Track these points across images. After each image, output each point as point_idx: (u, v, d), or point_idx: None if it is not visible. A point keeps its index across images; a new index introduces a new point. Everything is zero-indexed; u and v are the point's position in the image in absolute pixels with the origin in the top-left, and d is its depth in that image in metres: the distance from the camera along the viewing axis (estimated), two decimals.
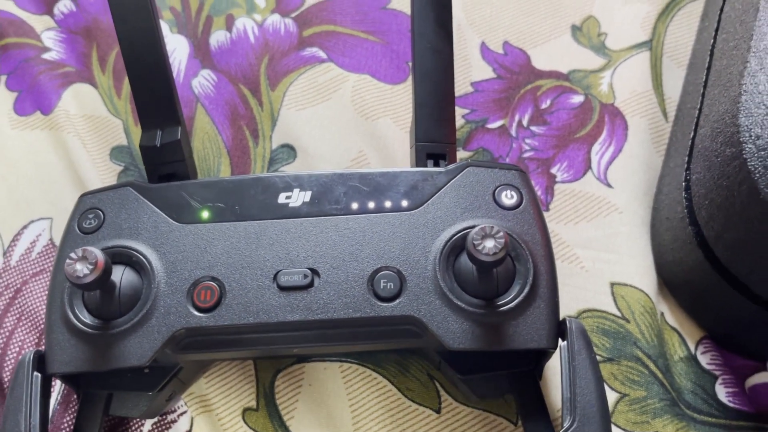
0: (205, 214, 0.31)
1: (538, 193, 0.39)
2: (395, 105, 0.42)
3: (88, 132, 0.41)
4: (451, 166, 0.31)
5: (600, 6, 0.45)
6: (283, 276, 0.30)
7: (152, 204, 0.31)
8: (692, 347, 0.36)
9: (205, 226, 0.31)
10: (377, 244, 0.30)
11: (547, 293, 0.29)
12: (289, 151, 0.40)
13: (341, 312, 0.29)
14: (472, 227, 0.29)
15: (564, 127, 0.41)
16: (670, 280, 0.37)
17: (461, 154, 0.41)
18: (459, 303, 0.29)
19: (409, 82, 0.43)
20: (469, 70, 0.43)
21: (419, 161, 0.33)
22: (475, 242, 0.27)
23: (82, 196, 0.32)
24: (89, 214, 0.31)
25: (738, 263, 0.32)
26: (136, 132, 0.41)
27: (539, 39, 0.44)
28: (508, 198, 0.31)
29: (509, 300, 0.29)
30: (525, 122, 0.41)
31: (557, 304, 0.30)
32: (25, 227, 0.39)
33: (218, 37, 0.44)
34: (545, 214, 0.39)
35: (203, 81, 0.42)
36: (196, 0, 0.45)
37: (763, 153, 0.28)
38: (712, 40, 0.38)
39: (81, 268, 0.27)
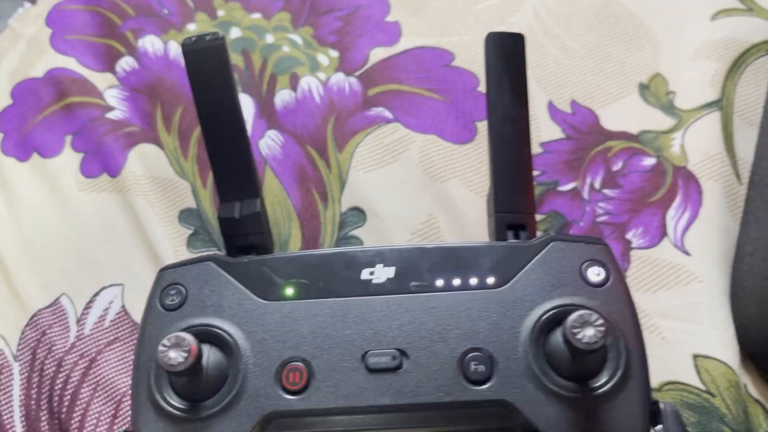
0: (289, 291, 0.30)
1: None
2: (464, 166, 0.42)
3: (155, 194, 0.41)
4: (536, 241, 0.31)
5: (667, 64, 0.45)
6: (371, 357, 0.29)
7: (235, 280, 0.31)
8: None
9: (290, 304, 0.30)
10: (465, 324, 0.29)
11: (639, 374, 0.29)
12: (359, 214, 0.40)
13: (432, 396, 0.29)
14: (563, 306, 0.29)
15: (637, 191, 0.40)
16: (754, 353, 0.36)
17: None
18: (552, 387, 0.28)
19: (477, 141, 0.42)
20: (538, 130, 0.43)
21: (499, 232, 0.33)
22: (575, 330, 0.26)
23: (162, 270, 0.31)
24: (171, 290, 0.31)
25: None
26: (204, 195, 0.41)
27: (607, 98, 0.43)
28: (596, 274, 0.30)
29: (603, 383, 0.28)
30: (597, 185, 0.41)
31: (649, 385, 0.29)
32: (96, 294, 0.38)
33: (283, 97, 0.44)
34: None
35: (270, 142, 0.42)
36: (259, 57, 0.45)
37: None
38: None
39: (175, 356, 0.26)
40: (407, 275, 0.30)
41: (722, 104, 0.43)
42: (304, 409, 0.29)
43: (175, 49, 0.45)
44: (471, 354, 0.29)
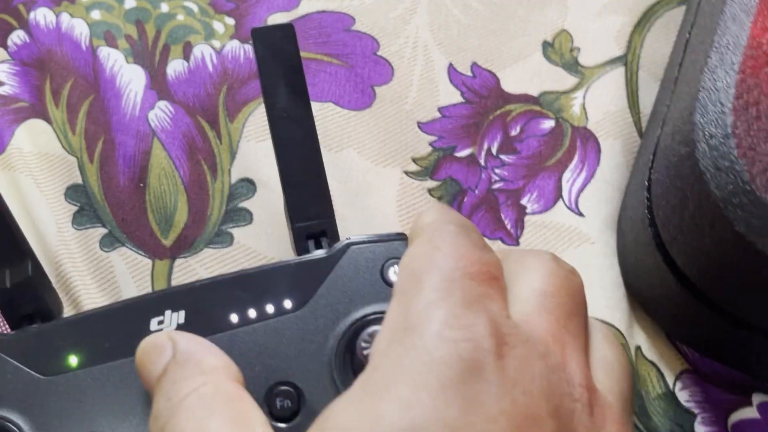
0: (72, 361, 0.27)
1: (509, 227, 0.38)
2: (359, 134, 0.40)
3: (41, 171, 0.40)
4: (333, 250, 0.28)
5: (572, 18, 0.43)
6: None
7: (13, 359, 0.28)
8: (671, 382, 0.35)
9: (76, 375, 0.27)
10: (266, 359, 0.27)
11: None
12: (248, 185, 0.39)
13: None
14: (365, 317, 0.27)
15: (534, 156, 0.39)
16: (632, 283, 0.35)
17: (428, 184, 0.39)
18: None
19: (375, 107, 0.41)
20: (437, 94, 0.41)
21: (299, 244, 0.31)
22: (365, 351, 0.24)
23: None
24: None
25: (692, 268, 0.30)
26: (91, 170, 0.40)
27: (509, 59, 0.42)
28: (396, 273, 0.27)
29: None
30: (494, 151, 0.40)
31: None
32: None
33: (175, 67, 0.42)
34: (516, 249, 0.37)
35: (160, 113, 0.41)
36: (153, 27, 0.44)
37: (714, 153, 0.26)
38: (687, 35, 0.36)
39: None
40: (199, 316, 0.28)
41: (627, 59, 0.42)
42: None
43: (67, 21, 0.44)
44: (276, 390, 0.27)
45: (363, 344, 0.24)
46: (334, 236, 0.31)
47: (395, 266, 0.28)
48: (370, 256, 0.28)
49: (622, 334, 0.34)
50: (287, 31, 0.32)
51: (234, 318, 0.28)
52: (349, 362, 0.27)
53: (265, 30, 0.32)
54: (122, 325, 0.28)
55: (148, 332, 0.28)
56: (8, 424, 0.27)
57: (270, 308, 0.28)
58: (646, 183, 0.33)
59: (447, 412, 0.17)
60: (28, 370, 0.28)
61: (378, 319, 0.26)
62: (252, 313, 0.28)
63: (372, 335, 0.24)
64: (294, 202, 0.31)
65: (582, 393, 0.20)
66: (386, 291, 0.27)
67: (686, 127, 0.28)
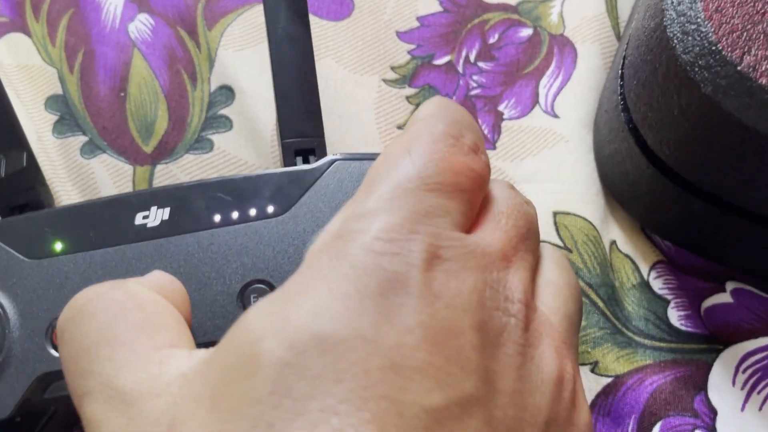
0: (58, 246, 0.29)
1: (485, 132, 0.38)
2: (337, 43, 0.41)
3: (22, 82, 0.40)
4: (318, 163, 0.29)
5: None
6: None
7: (1, 242, 0.29)
8: (645, 273, 0.35)
9: (59, 259, 0.28)
10: (244, 258, 0.28)
11: None
12: (227, 92, 0.39)
13: (212, 334, 0.27)
14: None
15: (512, 63, 0.39)
16: (607, 176, 0.36)
17: (407, 92, 0.39)
18: None
19: (353, 17, 0.41)
20: (416, 3, 0.42)
21: (287, 159, 0.32)
22: None
23: None
24: None
25: (662, 144, 0.31)
26: (71, 80, 0.40)
27: None
28: None
29: None
30: (472, 58, 0.40)
31: None
32: None
33: None
34: (491, 153, 0.38)
35: (140, 25, 0.41)
36: None
37: (682, 18, 0.27)
38: None
39: None
40: (183, 215, 0.29)
41: None
42: None
43: None
44: (251, 287, 0.28)
45: None
46: (322, 155, 0.32)
47: None
48: (354, 171, 0.29)
49: (594, 228, 0.35)
50: None
51: (217, 218, 0.29)
52: None
53: None
54: (108, 217, 0.29)
55: (132, 226, 0.29)
56: None
57: (252, 212, 0.29)
58: (620, 71, 0.34)
59: (359, 322, 0.16)
60: (15, 253, 0.29)
61: None
62: (235, 214, 0.29)
63: None
64: (286, 119, 0.32)
65: (519, 309, 0.19)
66: None
67: (655, 1, 0.29)
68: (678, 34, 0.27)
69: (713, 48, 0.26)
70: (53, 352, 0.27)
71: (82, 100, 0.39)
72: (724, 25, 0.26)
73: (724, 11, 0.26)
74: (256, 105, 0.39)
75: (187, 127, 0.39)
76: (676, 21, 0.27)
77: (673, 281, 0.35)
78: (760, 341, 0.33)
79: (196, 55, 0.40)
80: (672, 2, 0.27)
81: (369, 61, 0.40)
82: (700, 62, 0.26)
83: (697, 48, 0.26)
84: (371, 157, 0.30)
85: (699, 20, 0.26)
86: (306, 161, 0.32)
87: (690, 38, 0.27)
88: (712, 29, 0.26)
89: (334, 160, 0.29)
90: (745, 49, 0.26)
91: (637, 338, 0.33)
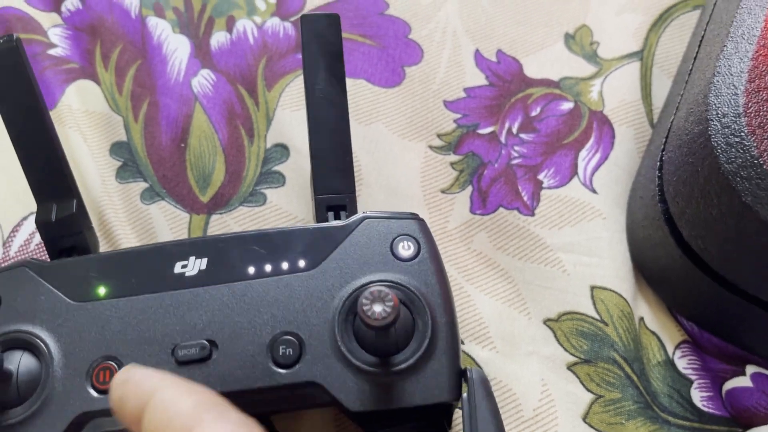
0: (101, 291, 0.31)
1: (525, 198, 0.40)
2: (388, 109, 0.43)
3: (89, 127, 0.42)
4: (349, 220, 0.31)
5: (593, 15, 0.46)
6: (180, 350, 0.29)
7: (48, 284, 0.31)
8: (670, 351, 0.37)
9: (102, 303, 0.30)
10: (275, 310, 0.30)
11: (446, 345, 0.29)
12: (282, 150, 0.42)
13: (242, 383, 0.29)
14: (369, 283, 0.29)
15: (552, 134, 0.42)
16: (638, 258, 0.38)
17: (451, 158, 0.42)
18: (357, 363, 0.28)
19: (404, 85, 0.44)
20: (463, 76, 0.44)
21: (320, 214, 0.34)
22: (365, 307, 0.26)
23: None
24: None
25: (698, 239, 0.32)
26: (136, 129, 0.42)
27: (532, 47, 0.45)
28: (405, 249, 0.31)
29: (407, 357, 0.28)
30: (515, 129, 0.42)
31: (458, 354, 0.30)
32: (24, 218, 0.40)
33: (219, 38, 0.45)
34: (530, 220, 0.40)
35: (202, 80, 0.43)
36: (198, 1, 0.46)
37: (726, 130, 0.29)
38: (702, 32, 0.39)
39: None
40: (219, 266, 0.31)
41: (643, 55, 0.44)
42: None
43: None
44: (280, 338, 0.29)
45: (364, 301, 0.26)
46: (353, 211, 0.34)
47: (404, 241, 0.31)
48: (383, 230, 0.31)
49: (628, 304, 0.37)
50: (333, 20, 0.35)
51: (251, 270, 0.31)
52: (351, 322, 0.29)
53: (313, 17, 0.35)
54: (149, 265, 0.31)
55: (171, 274, 0.31)
56: (36, 339, 0.30)
57: (284, 265, 0.31)
58: (658, 163, 0.36)
59: None
60: (61, 295, 0.31)
61: (381, 284, 0.29)
62: (268, 267, 0.31)
63: (372, 294, 0.26)
64: (319, 176, 0.34)
65: None
66: (393, 263, 0.30)
67: (700, 108, 0.31)
68: (722, 145, 0.29)
69: (755, 161, 0.28)
70: (93, 392, 0.29)
71: (145, 149, 0.42)
72: (765, 141, 0.28)
73: (766, 127, 0.29)
74: (308, 164, 0.41)
75: (243, 180, 0.41)
76: (720, 132, 0.29)
77: (697, 362, 0.36)
78: None
79: (255, 113, 0.42)
80: (717, 114, 0.30)
81: (417, 127, 0.43)
82: (741, 173, 0.28)
83: (740, 160, 0.28)
84: (400, 216, 0.31)
85: (743, 134, 0.29)
86: (337, 216, 0.33)
87: (733, 150, 0.29)
88: (755, 144, 0.28)
89: (365, 218, 0.31)
90: None
91: (663, 415, 0.35)
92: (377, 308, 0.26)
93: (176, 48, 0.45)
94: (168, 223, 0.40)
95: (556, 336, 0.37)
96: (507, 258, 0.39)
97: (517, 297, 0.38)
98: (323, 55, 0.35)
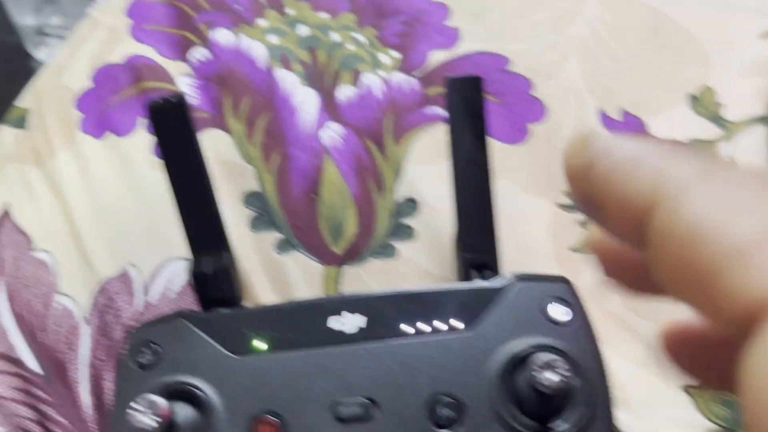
0: (261, 345, 0.31)
1: None
2: (514, 166, 0.43)
3: (221, 177, 0.43)
4: (500, 282, 0.31)
5: (716, 78, 0.46)
6: (341, 407, 0.30)
7: (207, 336, 0.31)
8: None
9: (261, 357, 0.31)
10: (433, 369, 0.30)
11: (604, 410, 0.29)
12: (412, 204, 0.42)
13: None
14: (529, 347, 0.29)
15: None
16: None
17: (580, 217, 0.42)
18: (519, 427, 0.28)
19: (528, 142, 0.44)
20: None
21: (463, 271, 0.34)
22: (536, 374, 0.26)
23: (135, 330, 0.32)
24: (144, 348, 0.31)
25: None
26: (268, 179, 0.43)
27: (657, 107, 0.45)
28: (560, 313, 0.30)
29: (572, 426, 0.28)
30: None
31: (613, 423, 0.29)
32: (163, 266, 0.41)
33: (345, 92, 0.46)
34: None
35: (331, 133, 0.44)
36: (324, 54, 0.48)
37: None
38: None
39: (148, 421, 0.27)
40: (376, 323, 0.31)
41: None
42: None
43: (246, 43, 0.48)
44: (439, 399, 0.29)
45: (535, 368, 0.26)
46: (495, 269, 0.34)
47: (558, 305, 0.30)
48: (535, 292, 0.31)
49: None
50: (477, 83, 0.35)
51: (407, 328, 0.31)
52: (512, 387, 0.29)
53: (459, 81, 0.35)
54: (305, 320, 0.31)
55: (329, 330, 0.31)
56: (197, 391, 0.30)
57: (440, 325, 0.31)
58: None
59: None
60: (220, 347, 0.31)
61: (548, 349, 0.29)
62: (423, 326, 0.31)
63: (544, 360, 0.26)
64: (465, 234, 0.35)
65: None
66: (548, 326, 0.30)
67: None
68: None
69: None
70: None
71: (279, 200, 0.42)
72: None
73: None
74: (439, 218, 0.41)
75: (374, 232, 0.42)
76: None
77: None
78: None
79: (383, 166, 0.43)
80: None
81: (543, 184, 0.43)
82: None
83: None
84: (551, 279, 0.31)
85: None
86: (481, 275, 0.34)
87: None
88: None
89: (517, 278, 0.31)
90: None
91: None
92: (551, 376, 0.26)
93: (304, 100, 0.46)
94: (302, 273, 0.40)
95: (695, 402, 0.36)
96: (640, 320, 0.39)
97: (653, 360, 0.38)
98: (469, 117, 0.35)
